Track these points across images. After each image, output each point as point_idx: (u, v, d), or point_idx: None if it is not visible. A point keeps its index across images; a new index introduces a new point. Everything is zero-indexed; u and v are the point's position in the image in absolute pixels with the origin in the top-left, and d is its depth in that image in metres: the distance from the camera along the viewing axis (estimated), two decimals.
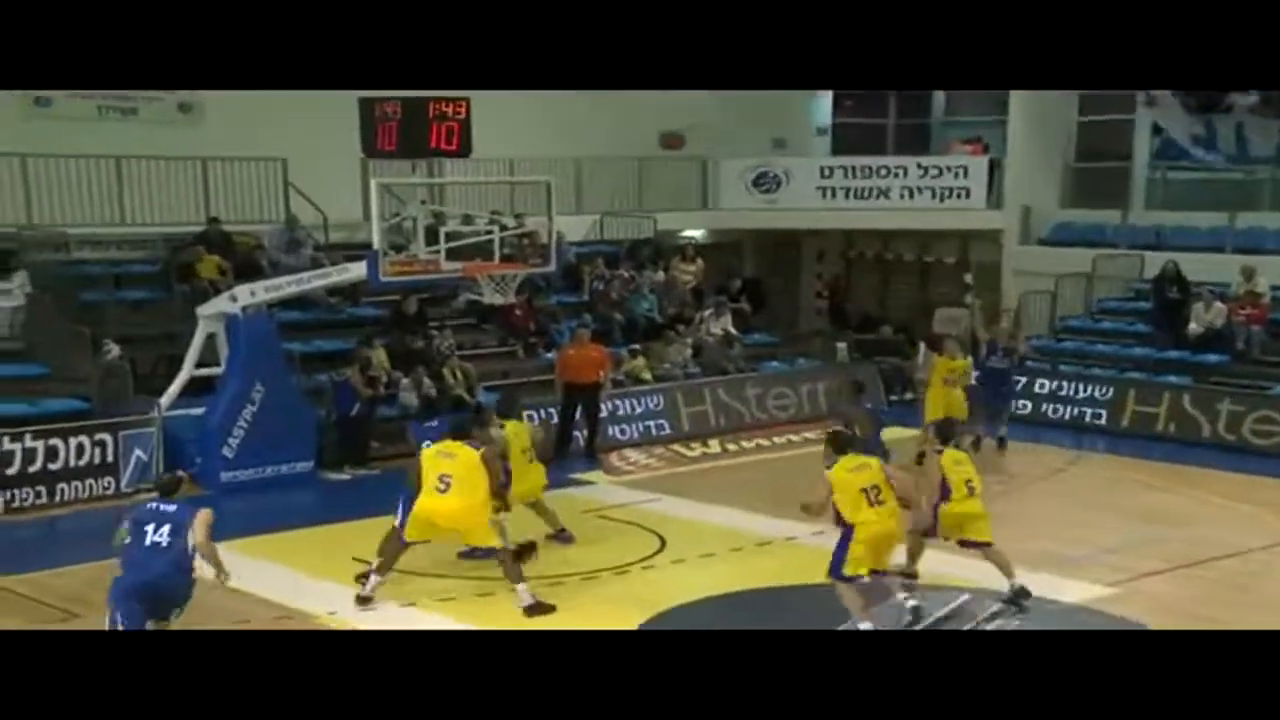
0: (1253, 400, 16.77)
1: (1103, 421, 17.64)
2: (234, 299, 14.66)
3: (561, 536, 11.94)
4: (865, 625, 9.16)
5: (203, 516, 7.88)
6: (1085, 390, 17.89)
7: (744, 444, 16.79)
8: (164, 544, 7.63)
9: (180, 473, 8.70)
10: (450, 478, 9.73)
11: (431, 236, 13.55)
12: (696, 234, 21.94)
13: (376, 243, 13.16)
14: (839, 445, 9.52)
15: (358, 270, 14.08)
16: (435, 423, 11.09)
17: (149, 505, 8.04)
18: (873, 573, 9.20)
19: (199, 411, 14.56)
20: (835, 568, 9.24)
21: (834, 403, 15.81)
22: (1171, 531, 12.65)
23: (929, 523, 10.00)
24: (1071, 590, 10.71)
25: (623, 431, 16.81)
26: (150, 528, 7.69)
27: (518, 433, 11.39)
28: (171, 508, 7.93)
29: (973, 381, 15.51)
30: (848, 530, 9.20)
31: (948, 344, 15.73)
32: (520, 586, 9.81)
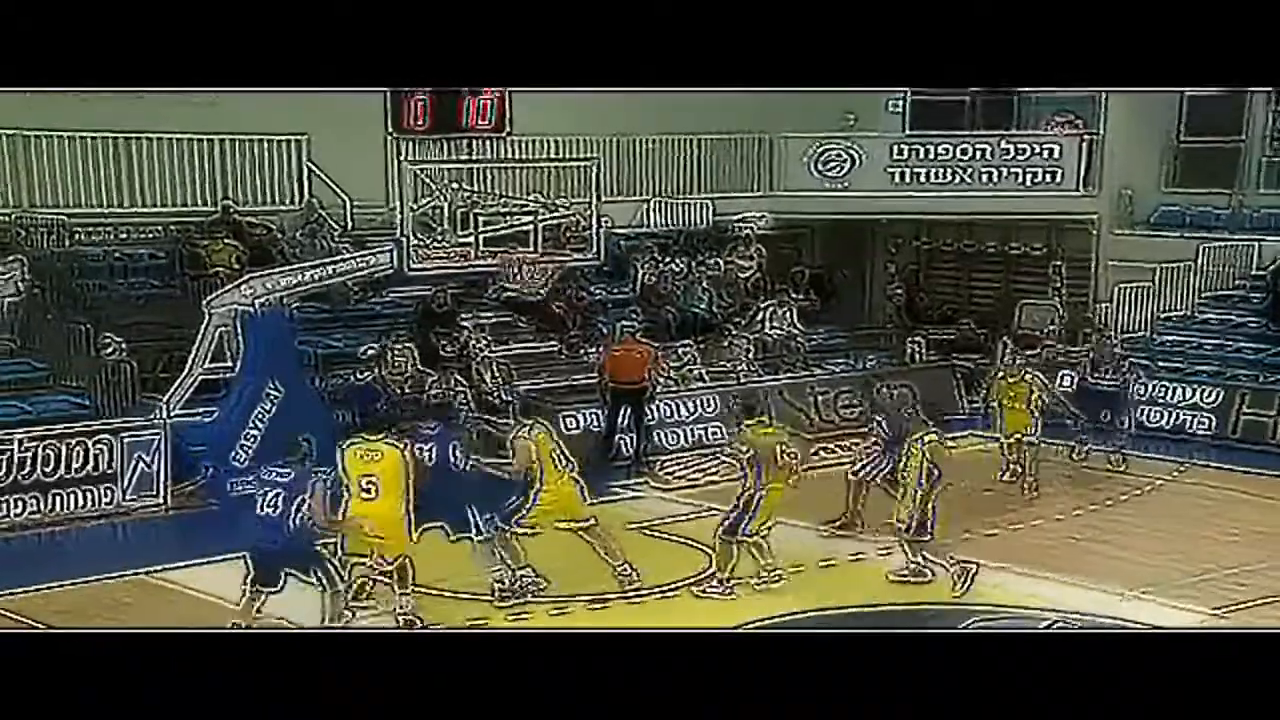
0: None
1: (1208, 429, 17.31)
2: (248, 291, 14.53)
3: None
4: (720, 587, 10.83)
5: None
6: (1188, 394, 17.58)
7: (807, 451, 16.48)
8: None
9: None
10: (375, 480, 9.70)
11: (464, 222, 13.41)
12: (757, 221, 21.62)
13: (404, 229, 13.03)
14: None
15: (384, 259, 13.95)
16: (434, 427, 10.92)
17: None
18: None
19: (209, 415, 14.46)
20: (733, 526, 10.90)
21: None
22: None
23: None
24: (1176, 618, 10.58)
25: (674, 437, 16.71)
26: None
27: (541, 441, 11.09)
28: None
29: (1051, 398, 15.01)
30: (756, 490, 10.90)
31: (1006, 358, 15.40)
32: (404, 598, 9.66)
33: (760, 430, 11.57)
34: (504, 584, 10.43)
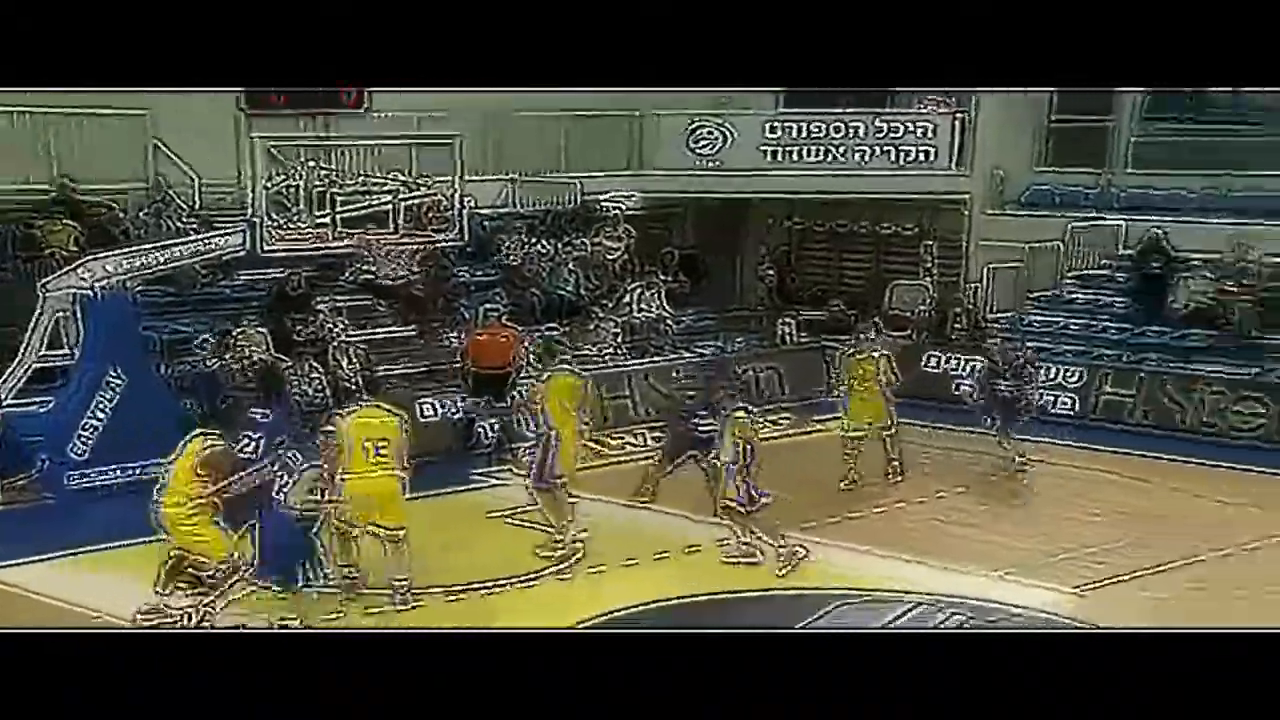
0: (1234, 384, 17.11)
1: (1071, 409, 17.87)
2: (87, 273, 14.39)
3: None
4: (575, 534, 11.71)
5: None
6: (1053, 374, 18.05)
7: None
8: None
9: None
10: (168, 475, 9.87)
11: (321, 202, 13.47)
12: (626, 200, 21.90)
13: (257, 209, 13.06)
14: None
15: (235, 240, 13.94)
16: (266, 413, 10.94)
17: None
18: None
19: (45, 404, 14.33)
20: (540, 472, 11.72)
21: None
22: (1146, 532, 12.96)
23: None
24: (1038, 597, 11.04)
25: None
26: None
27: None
28: None
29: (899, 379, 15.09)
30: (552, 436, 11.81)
31: (864, 337, 15.28)
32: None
33: (559, 379, 12.31)
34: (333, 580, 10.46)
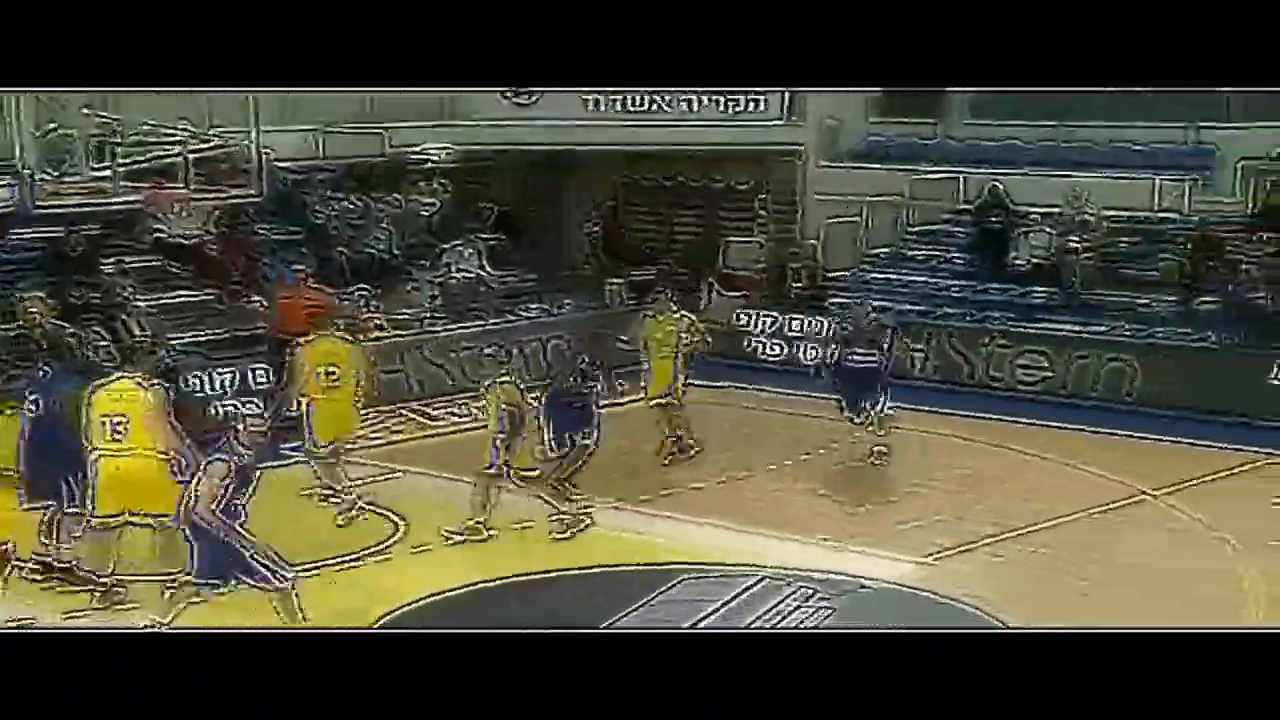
0: (1018, 338, 17.65)
1: (916, 370, 17.87)
2: None
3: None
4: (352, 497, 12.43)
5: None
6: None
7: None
8: None
9: None
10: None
11: (100, 154, 12.89)
12: (440, 152, 21.50)
13: (27, 161, 12.46)
14: None
15: (2, 195, 13.29)
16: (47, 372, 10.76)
17: None
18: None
19: None
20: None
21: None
22: (987, 495, 13.30)
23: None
24: (889, 569, 11.26)
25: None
26: None
27: None
28: None
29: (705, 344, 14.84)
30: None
31: (662, 298, 14.95)
32: None
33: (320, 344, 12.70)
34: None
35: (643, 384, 14.58)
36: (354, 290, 17.83)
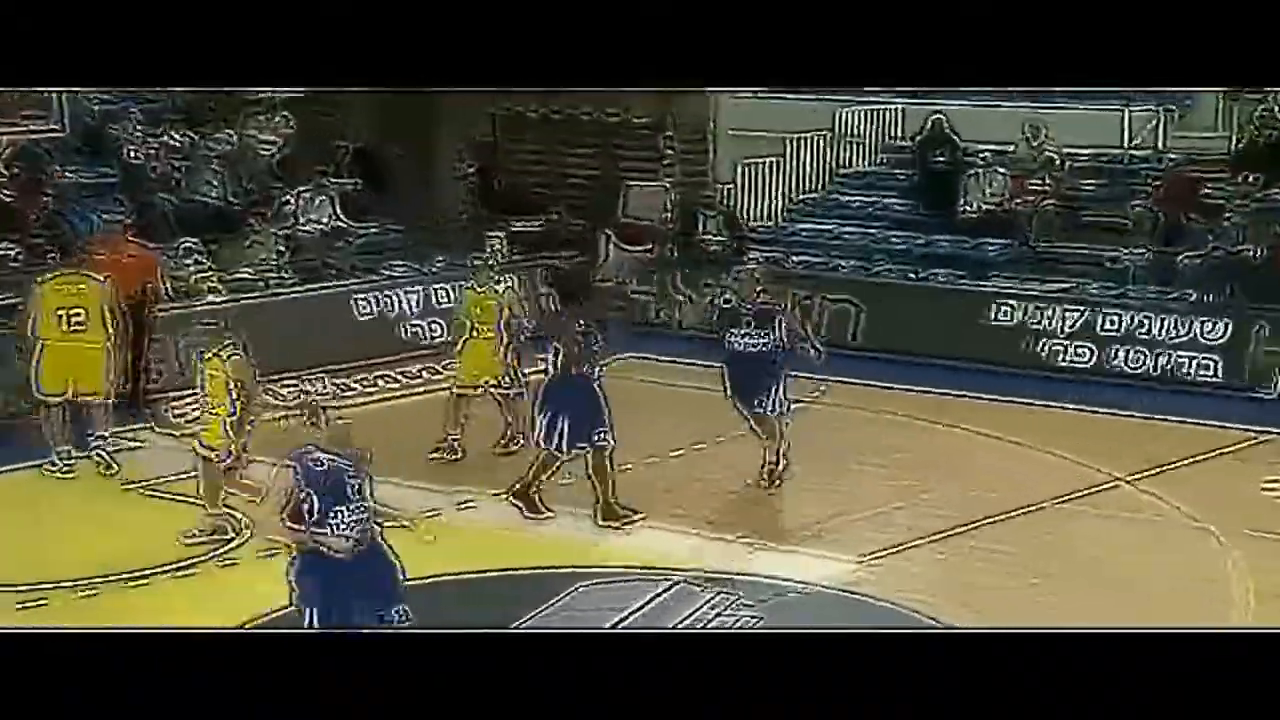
0: (976, 300, 17.81)
1: (845, 337, 17.93)
2: None
3: None
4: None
5: None
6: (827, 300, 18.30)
7: (364, 381, 16.98)
8: None
9: None
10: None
11: None
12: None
13: None
14: None
15: None
16: None
17: None
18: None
19: None
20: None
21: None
22: (921, 482, 13.45)
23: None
24: (817, 569, 11.39)
25: (182, 369, 16.23)
26: None
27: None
28: None
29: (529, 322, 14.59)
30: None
31: (481, 266, 14.69)
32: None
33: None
34: None
35: (454, 366, 14.67)
36: (182, 245, 17.77)
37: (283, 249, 18.65)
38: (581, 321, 12.82)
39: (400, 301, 18.56)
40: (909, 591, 10.94)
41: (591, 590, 10.77)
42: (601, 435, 12.34)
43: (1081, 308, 17.39)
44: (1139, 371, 16.87)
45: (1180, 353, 16.71)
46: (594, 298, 16.57)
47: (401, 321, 18.36)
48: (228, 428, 12.05)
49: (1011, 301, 17.72)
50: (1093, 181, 19.21)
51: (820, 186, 20.90)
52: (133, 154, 18.98)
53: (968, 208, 19.29)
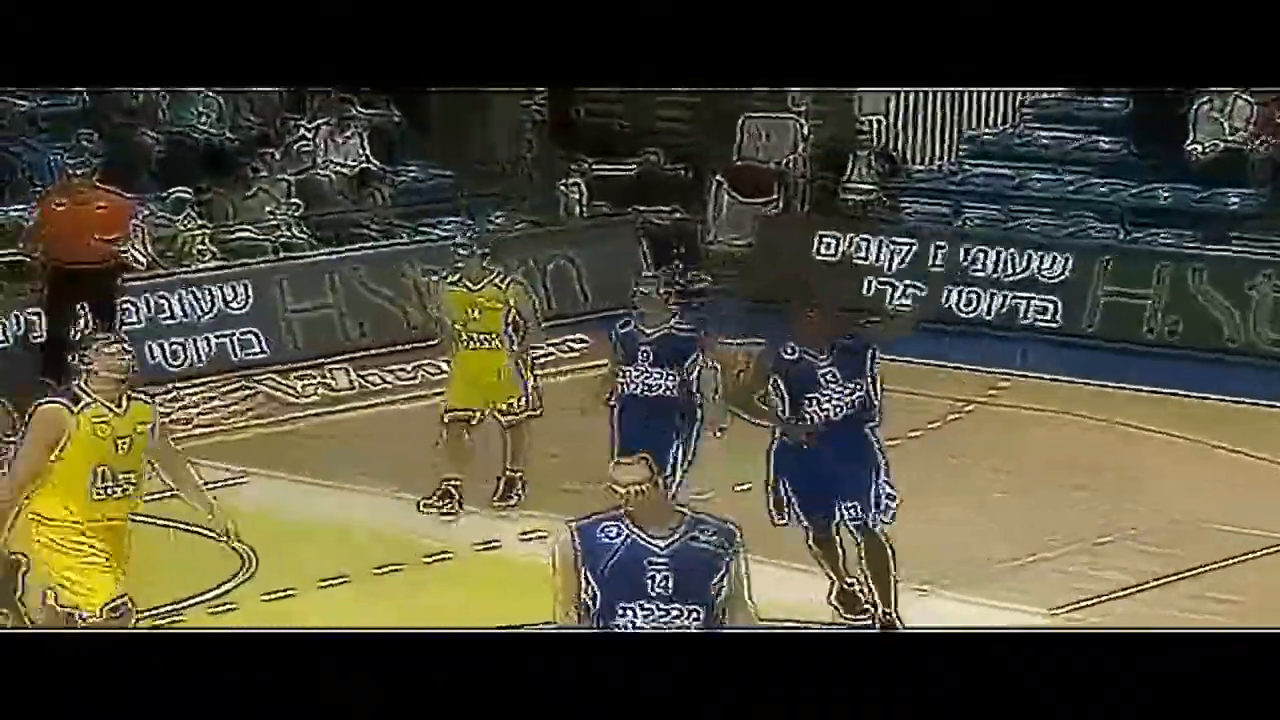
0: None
1: (1051, 318, 18.28)
2: None
3: None
4: None
5: None
6: (1010, 263, 18.51)
7: (400, 374, 16.99)
8: None
9: None
10: None
11: None
12: None
13: None
14: None
15: None
16: None
17: None
18: None
19: None
20: None
21: None
22: (1145, 507, 13.62)
23: None
24: (1002, 620, 11.51)
25: (173, 351, 16.88)
26: None
27: None
28: None
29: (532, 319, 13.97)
30: None
31: (467, 256, 14.01)
32: None
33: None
34: None
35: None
36: (169, 195, 18.02)
37: (294, 200, 18.80)
38: (791, 347, 11.42)
39: None
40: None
41: None
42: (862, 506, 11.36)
43: None
44: None
45: None
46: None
47: None
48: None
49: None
50: None
51: (1002, 119, 20.88)
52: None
53: (1198, 147, 19.11)
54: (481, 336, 13.71)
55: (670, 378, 12.48)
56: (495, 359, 13.68)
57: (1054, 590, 12.07)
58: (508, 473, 13.77)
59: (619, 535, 8.19)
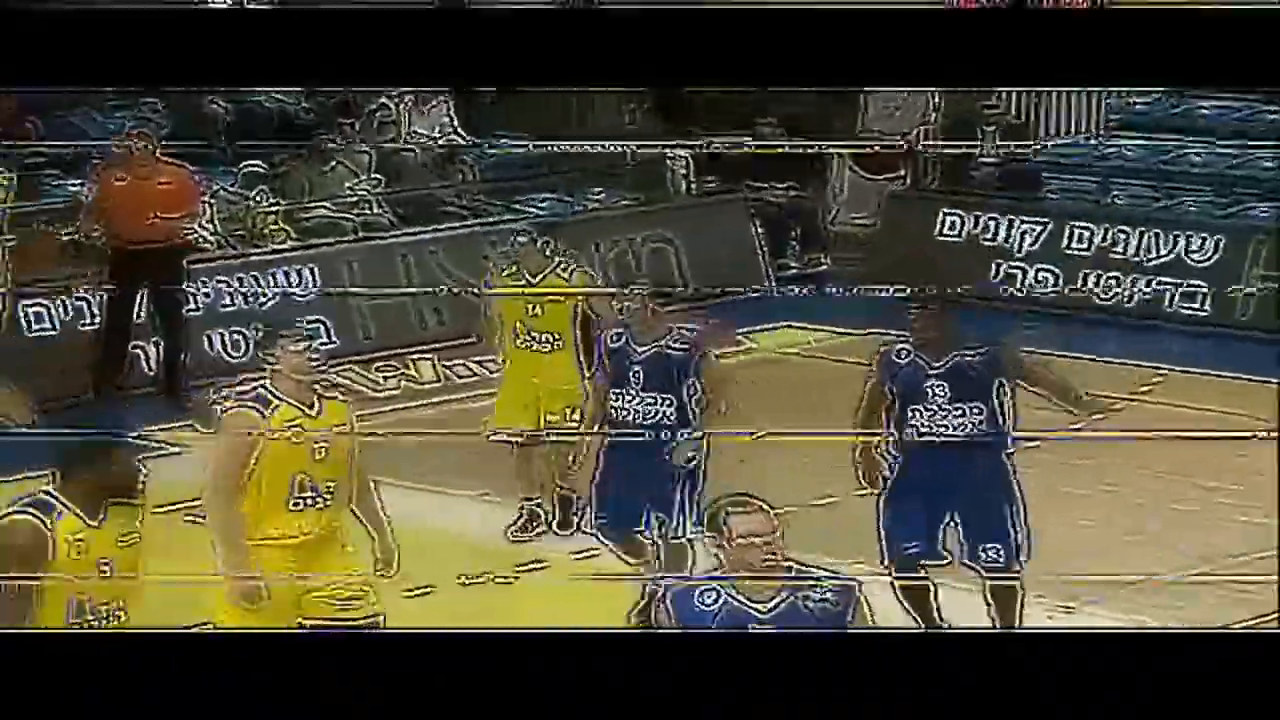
0: None
1: (1200, 302, 18.37)
2: None
3: None
4: None
5: None
6: (1172, 241, 18.59)
7: (492, 364, 16.40)
8: None
9: None
10: None
11: None
12: None
13: None
14: None
15: None
16: None
17: None
18: None
19: None
20: None
21: None
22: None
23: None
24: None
25: (237, 346, 17.09)
26: None
27: None
28: None
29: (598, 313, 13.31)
30: None
31: (523, 239, 13.82)
32: None
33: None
34: None
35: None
36: (241, 169, 18.34)
37: (375, 175, 19.02)
38: (905, 349, 11.10)
39: None
40: None
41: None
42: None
43: None
44: None
45: None
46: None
47: None
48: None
49: None
50: None
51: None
52: None
53: None
54: (538, 337, 13.47)
55: (666, 403, 11.90)
56: (558, 363, 13.41)
57: (1219, 608, 11.96)
58: (559, 490, 13.52)
59: (715, 602, 8.02)
